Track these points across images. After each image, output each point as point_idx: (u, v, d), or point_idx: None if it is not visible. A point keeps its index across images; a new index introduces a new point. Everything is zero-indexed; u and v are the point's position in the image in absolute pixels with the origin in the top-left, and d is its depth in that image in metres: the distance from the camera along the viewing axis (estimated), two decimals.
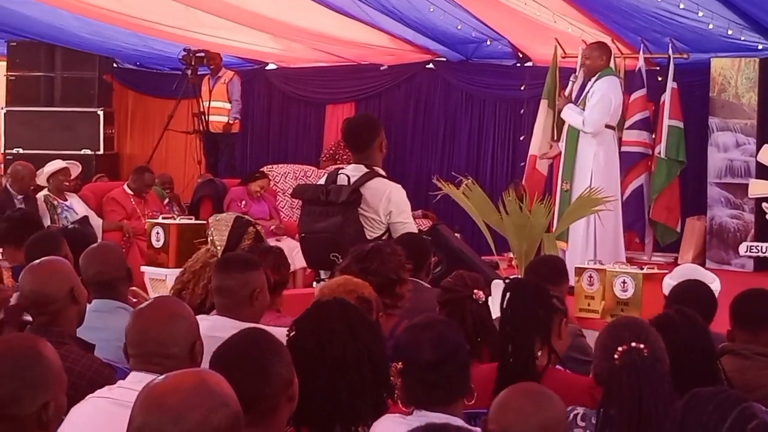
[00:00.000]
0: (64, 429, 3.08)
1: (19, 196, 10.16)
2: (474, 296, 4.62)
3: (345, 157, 12.60)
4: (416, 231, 6.46)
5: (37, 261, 4.45)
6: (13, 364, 2.69)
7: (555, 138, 11.15)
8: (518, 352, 4.01)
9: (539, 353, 4.03)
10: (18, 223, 7.29)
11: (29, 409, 2.66)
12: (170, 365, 3.26)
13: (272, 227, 11.66)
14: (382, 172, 6.36)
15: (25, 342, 2.82)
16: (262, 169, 12.90)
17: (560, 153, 10.21)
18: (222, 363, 3.01)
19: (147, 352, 3.37)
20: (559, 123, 11.20)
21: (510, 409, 2.90)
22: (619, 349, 3.41)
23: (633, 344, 3.41)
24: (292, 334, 3.52)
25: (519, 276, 7.00)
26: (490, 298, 4.72)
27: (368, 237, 6.07)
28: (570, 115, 9.60)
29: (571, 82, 10.13)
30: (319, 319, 3.54)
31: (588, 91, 9.62)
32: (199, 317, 4.57)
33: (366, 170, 6.22)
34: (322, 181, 6.48)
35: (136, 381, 3.30)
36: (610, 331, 3.55)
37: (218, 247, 5.70)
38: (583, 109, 9.56)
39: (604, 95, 9.52)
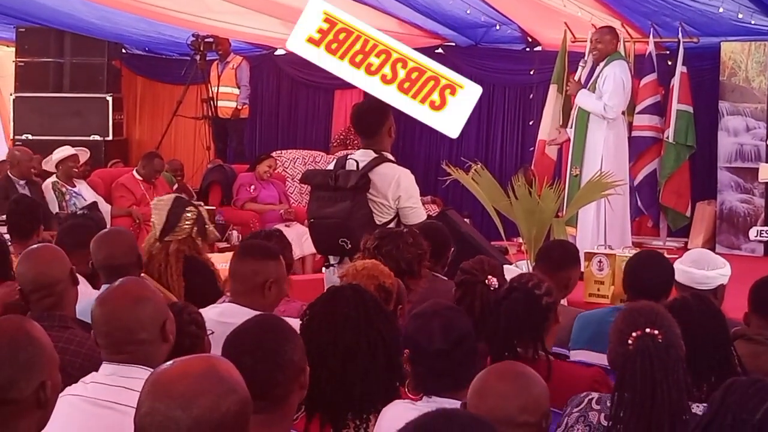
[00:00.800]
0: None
1: (21, 182, 10.14)
2: (486, 282, 4.62)
3: (356, 142, 12.57)
4: (426, 216, 6.45)
5: (33, 247, 4.46)
6: (5, 349, 2.69)
7: (563, 124, 11.12)
8: (503, 350, 4.03)
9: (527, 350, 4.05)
10: (24, 212, 7.30)
11: (27, 391, 2.66)
12: (141, 351, 3.27)
13: (281, 211, 11.67)
14: (391, 157, 6.35)
15: (13, 324, 2.80)
16: (268, 152, 12.92)
17: (568, 139, 10.21)
18: (234, 349, 3.01)
19: (116, 341, 3.33)
20: (566, 108, 11.19)
21: (489, 394, 2.88)
22: (633, 334, 3.39)
23: (647, 330, 3.39)
24: (305, 319, 3.52)
25: (529, 262, 7.01)
26: None
27: (377, 222, 6.06)
28: (587, 101, 9.57)
29: (580, 67, 10.11)
30: (332, 305, 3.54)
31: (597, 76, 9.60)
32: (209, 307, 4.58)
33: (375, 155, 6.21)
34: (330, 167, 6.46)
35: (108, 374, 3.29)
36: (626, 317, 3.53)
37: (157, 228, 5.68)
38: (593, 93, 9.55)
39: (619, 79, 9.53)
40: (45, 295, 4.20)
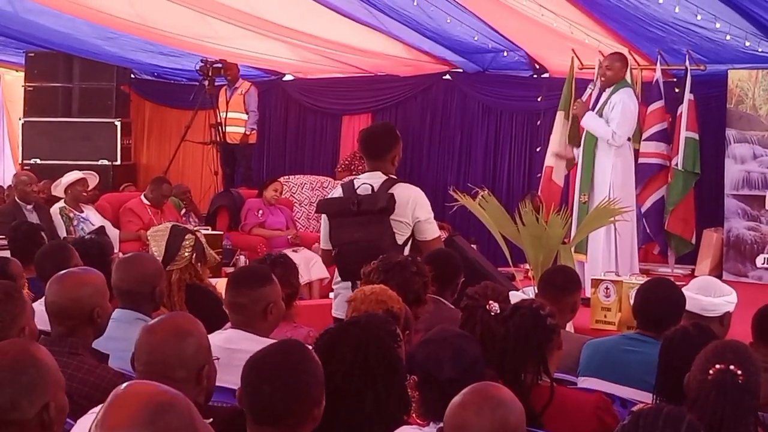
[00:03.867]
0: None
1: (28, 207, 10.12)
2: (487, 307, 4.62)
3: (360, 167, 12.60)
4: (439, 233, 6.46)
5: (65, 272, 4.41)
6: (8, 370, 2.70)
7: (569, 142, 11.10)
8: (508, 373, 4.01)
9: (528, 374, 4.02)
10: (23, 237, 7.36)
11: (30, 412, 2.67)
12: (175, 388, 3.25)
13: (289, 237, 11.69)
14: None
15: (17, 347, 2.83)
16: (277, 178, 12.95)
17: (574, 158, 10.20)
18: (255, 373, 3.03)
19: (153, 371, 3.32)
20: (573, 132, 11.20)
21: (467, 429, 2.84)
22: (717, 366, 3.39)
23: (731, 367, 3.38)
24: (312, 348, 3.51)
25: (535, 288, 7.00)
26: None
27: (398, 242, 6.07)
28: (595, 125, 9.54)
29: (589, 89, 10.10)
30: (335, 343, 3.49)
31: (605, 102, 9.60)
32: (215, 333, 4.58)
33: (384, 177, 6.22)
34: (338, 193, 6.44)
35: None
36: (716, 347, 3.52)
37: (158, 259, 5.67)
38: (599, 117, 9.57)
39: (627, 108, 9.54)
40: (56, 323, 4.20)
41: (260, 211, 12.03)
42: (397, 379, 3.50)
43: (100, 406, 3.25)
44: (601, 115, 9.63)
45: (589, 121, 9.62)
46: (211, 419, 2.96)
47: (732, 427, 3.30)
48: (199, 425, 2.43)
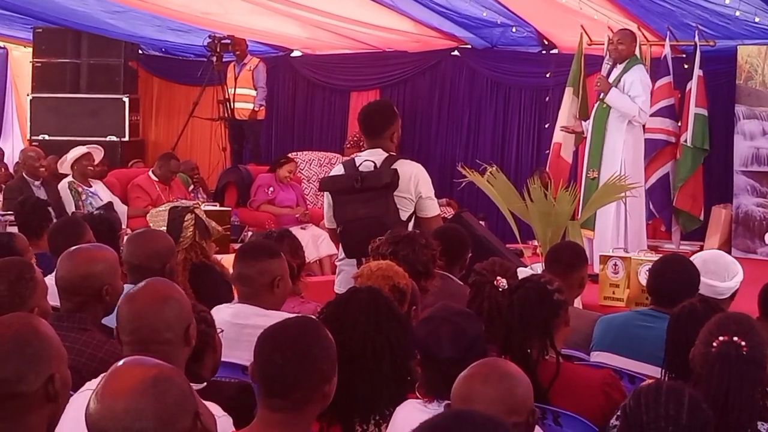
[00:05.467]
0: (63, 419, 3.08)
1: (36, 182, 10.13)
2: (495, 283, 4.63)
3: None
4: (439, 211, 6.47)
5: (77, 248, 4.42)
6: (12, 343, 2.71)
7: (580, 116, 11.07)
8: (516, 351, 4.01)
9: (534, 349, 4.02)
10: (31, 212, 7.36)
11: (35, 384, 2.68)
12: (164, 351, 3.25)
13: (297, 215, 11.67)
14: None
15: (20, 320, 2.83)
16: (288, 155, 12.93)
17: (583, 131, 10.17)
18: (268, 344, 3.05)
19: (140, 339, 3.33)
20: (583, 106, 11.19)
21: (475, 400, 2.87)
22: (720, 338, 3.39)
23: (735, 339, 3.38)
24: (320, 319, 3.52)
25: (542, 266, 6.99)
26: None
27: (402, 218, 6.08)
28: (621, 103, 9.44)
29: (606, 65, 10.04)
30: (344, 310, 3.54)
31: (617, 78, 9.55)
32: (222, 306, 4.59)
33: (386, 154, 6.22)
34: (339, 170, 6.44)
35: None
36: (719, 320, 3.52)
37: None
38: None
39: (646, 85, 9.54)
40: (64, 298, 4.21)
41: (271, 189, 12.01)
42: (409, 338, 3.53)
43: (92, 381, 3.29)
44: None
45: (615, 98, 9.49)
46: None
47: (738, 399, 3.30)
48: (196, 398, 2.45)
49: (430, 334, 3.48)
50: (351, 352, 3.36)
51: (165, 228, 5.77)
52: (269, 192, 11.99)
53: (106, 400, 2.36)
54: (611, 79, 9.60)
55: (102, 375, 2.47)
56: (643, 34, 11.25)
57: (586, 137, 10.06)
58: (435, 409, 3.31)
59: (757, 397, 3.34)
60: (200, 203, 7.62)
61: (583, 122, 10.37)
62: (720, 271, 5.35)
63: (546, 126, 12.74)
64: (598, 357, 4.97)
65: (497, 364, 3.05)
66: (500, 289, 4.59)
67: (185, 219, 5.84)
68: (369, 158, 6.23)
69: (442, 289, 5.25)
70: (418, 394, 3.46)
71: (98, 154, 11.02)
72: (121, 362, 2.48)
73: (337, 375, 3.10)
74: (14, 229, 7.21)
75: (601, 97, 9.66)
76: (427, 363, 3.44)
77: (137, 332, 3.36)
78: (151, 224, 5.98)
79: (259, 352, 3.06)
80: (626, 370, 4.60)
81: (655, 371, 4.45)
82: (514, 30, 12.67)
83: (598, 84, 9.69)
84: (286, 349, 3.00)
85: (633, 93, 9.43)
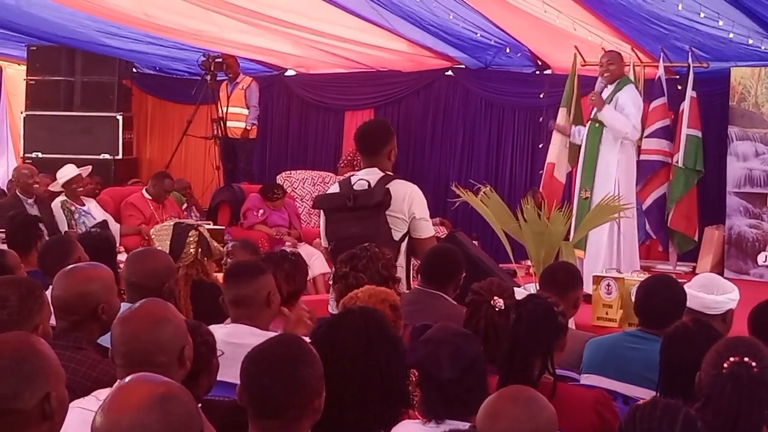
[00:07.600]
0: None
1: (30, 200, 10.09)
2: (492, 302, 4.63)
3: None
4: (434, 233, 6.48)
5: (72, 266, 4.40)
6: (9, 359, 2.70)
7: (574, 122, 11.06)
8: (518, 365, 4.01)
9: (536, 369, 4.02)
10: (19, 228, 7.33)
11: (31, 402, 2.67)
12: (159, 373, 3.23)
13: (288, 243, 11.45)
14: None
15: (18, 338, 2.83)
16: (279, 183, 12.90)
17: (570, 135, 10.23)
18: (254, 367, 3.04)
19: (133, 361, 3.31)
20: (578, 113, 11.21)
21: (501, 417, 2.89)
22: (731, 359, 3.38)
23: (746, 359, 3.37)
24: (312, 339, 3.52)
25: (537, 285, 6.99)
26: None
27: (394, 238, 6.08)
28: (615, 118, 9.45)
29: (600, 85, 10.07)
30: (336, 331, 3.52)
31: (609, 97, 9.56)
32: (217, 326, 4.59)
33: (381, 173, 6.23)
34: (335, 189, 6.45)
35: None
36: (728, 342, 3.52)
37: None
38: None
39: (638, 104, 9.57)
40: (60, 318, 4.20)
41: (261, 211, 11.98)
42: (400, 358, 3.53)
43: (82, 399, 3.28)
44: None
45: (608, 115, 9.49)
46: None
47: (748, 420, 3.29)
48: (203, 418, 2.45)
49: (429, 355, 3.48)
50: (339, 375, 3.35)
51: (168, 243, 5.76)
52: (259, 215, 11.96)
53: (112, 415, 2.37)
54: (604, 98, 9.62)
55: (98, 390, 2.46)
56: (636, 56, 11.28)
57: (578, 157, 10.07)
58: (433, 429, 3.30)
59: (766, 418, 3.33)
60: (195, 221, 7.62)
61: (574, 127, 10.43)
62: (710, 285, 5.34)
63: (540, 146, 12.76)
64: (587, 380, 4.96)
65: (526, 389, 3.08)
66: (497, 309, 4.60)
67: (189, 235, 5.84)
68: (364, 177, 6.24)
69: (437, 309, 5.25)
70: (418, 414, 3.46)
71: (85, 172, 10.96)
72: (128, 378, 2.49)
73: (325, 391, 3.09)
74: (4, 247, 7.20)
75: (594, 112, 9.68)
76: (427, 384, 3.43)
77: (129, 355, 3.35)
78: (154, 238, 5.98)
79: (246, 376, 3.05)
80: (619, 392, 4.60)
81: (643, 392, 4.45)
82: (507, 50, 12.70)
83: (593, 98, 9.70)
84: (274, 370, 3.00)
85: (626, 112, 9.46)
